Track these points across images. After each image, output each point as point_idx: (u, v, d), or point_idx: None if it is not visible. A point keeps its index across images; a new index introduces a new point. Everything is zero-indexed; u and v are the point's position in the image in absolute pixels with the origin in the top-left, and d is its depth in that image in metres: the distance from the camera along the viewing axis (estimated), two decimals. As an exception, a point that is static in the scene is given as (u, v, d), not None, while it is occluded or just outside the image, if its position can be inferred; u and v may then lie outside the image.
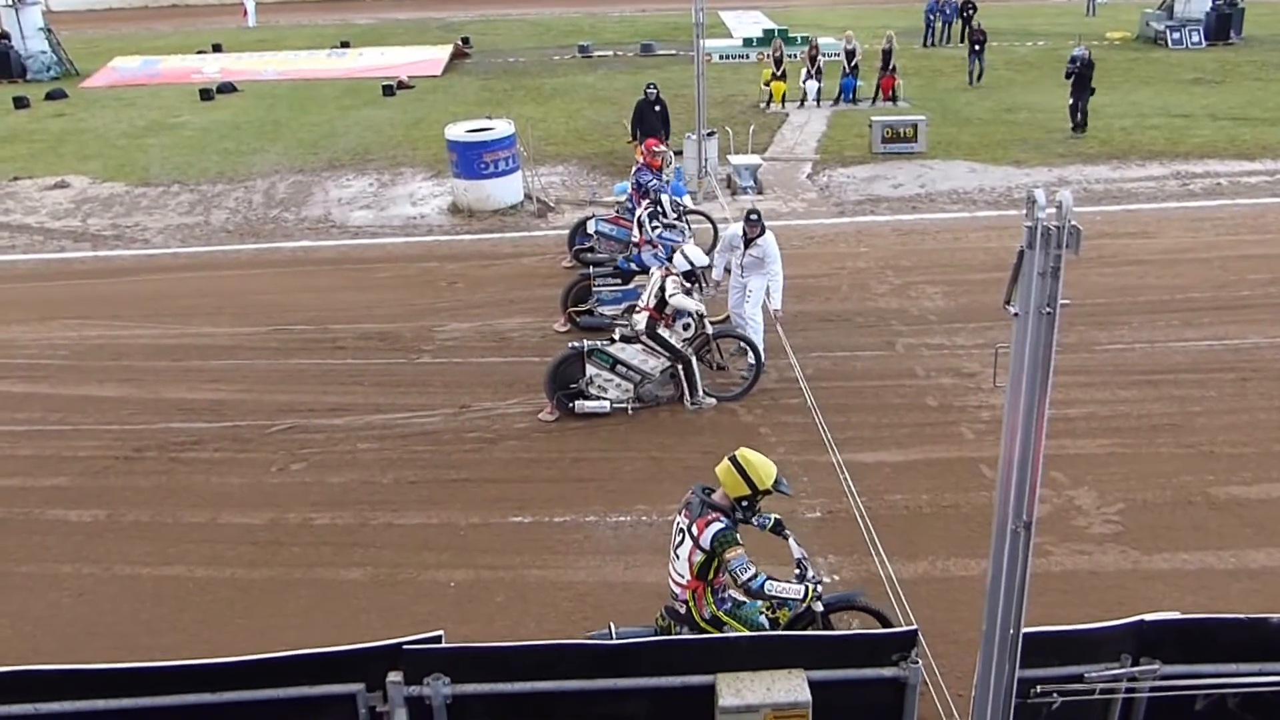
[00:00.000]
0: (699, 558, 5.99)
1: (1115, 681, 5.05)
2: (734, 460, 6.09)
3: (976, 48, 27.05)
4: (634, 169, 14.05)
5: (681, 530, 6.10)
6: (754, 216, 11.00)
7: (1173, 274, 13.73)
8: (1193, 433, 9.88)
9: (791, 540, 6.44)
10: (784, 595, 6.01)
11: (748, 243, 11.09)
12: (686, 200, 14.85)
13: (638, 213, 12.73)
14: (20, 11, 31.38)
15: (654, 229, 12.56)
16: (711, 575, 6.10)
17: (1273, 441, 9.68)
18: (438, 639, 5.08)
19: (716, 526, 5.92)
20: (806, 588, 6.08)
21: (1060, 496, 8.90)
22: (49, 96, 28.72)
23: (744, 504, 6.12)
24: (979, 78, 27.22)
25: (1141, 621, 5.05)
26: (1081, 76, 20.50)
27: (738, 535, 5.98)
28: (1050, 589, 7.60)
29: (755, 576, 5.87)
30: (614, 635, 6.08)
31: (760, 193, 18.07)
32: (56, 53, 32.56)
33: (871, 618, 6.67)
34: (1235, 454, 9.52)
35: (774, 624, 6.26)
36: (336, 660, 5.05)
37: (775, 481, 6.10)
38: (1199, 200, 17.11)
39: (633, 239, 12.78)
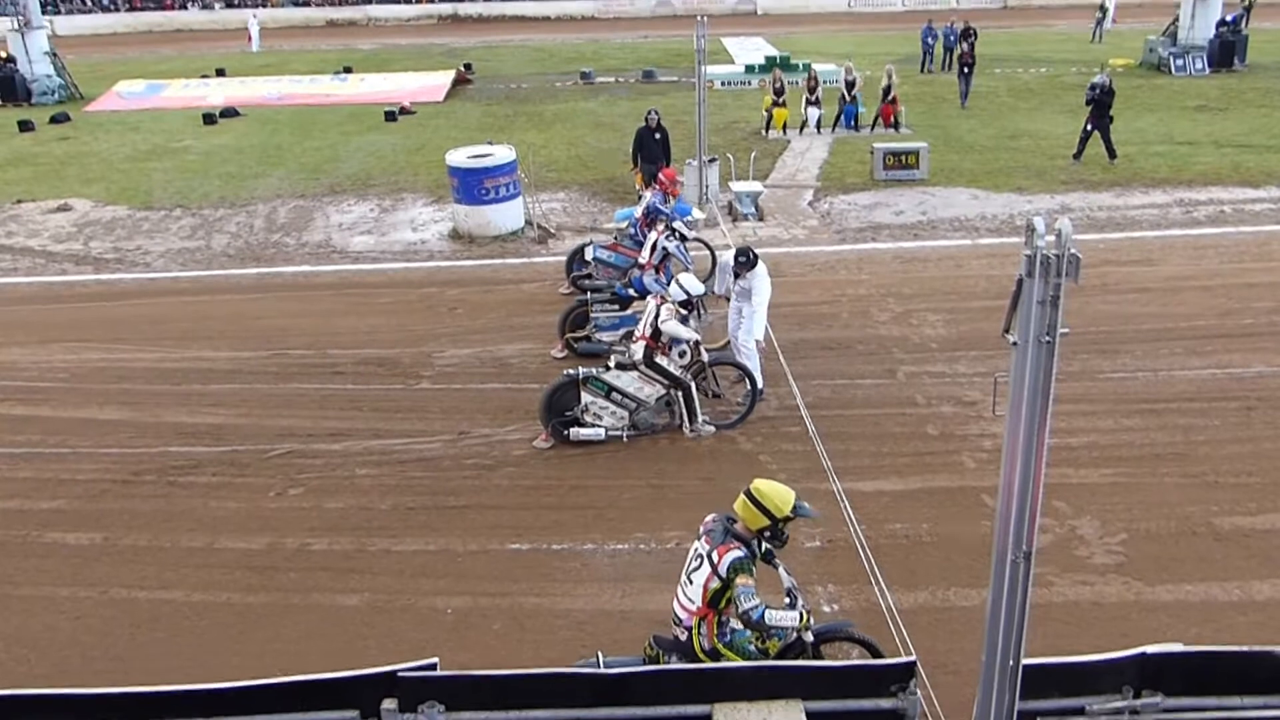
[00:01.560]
0: (715, 585, 6.01)
1: (1117, 714, 5.01)
2: (748, 494, 6.15)
3: (965, 70, 27.84)
4: (650, 195, 14.11)
5: (700, 555, 6.11)
6: (742, 259, 11.05)
7: (1176, 302, 13.72)
8: (1197, 462, 9.81)
9: (781, 569, 6.44)
10: (783, 625, 5.99)
11: (738, 275, 11.15)
12: (695, 212, 14.97)
13: (651, 237, 12.78)
14: (26, 35, 31.77)
15: (671, 243, 12.63)
16: (723, 604, 6.11)
17: (1278, 471, 9.60)
18: (433, 666, 5.06)
19: (735, 554, 5.96)
20: (802, 612, 6.11)
21: (1062, 526, 8.84)
22: (53, 120, 28.97)
23: (766, 534, 6.16)
24: (966, 98, 27.85)
25: (1144, 653, 5.02)
26: (1100, 103, 20.56)
27: (753, 567, 6.01)
28: (1052, 619, 7.57)
29: (756, 607, 5.86)
30: (601, 664, 6.05)
31: (761, 219, 18.09)
32: (62, 76, 32.99)
33: (863, 648, 6.63)
34: (1240, 484, 9.44)
35: (763, 654, 6.24)
36: (331, 686, 5.02)
37: (795, 507, 6.13)
38: (1203, 228, 17.10)
39: (639, 262, 12.82)
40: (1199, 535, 8.71)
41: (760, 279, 11.08)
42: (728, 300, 11.70)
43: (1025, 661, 4.53)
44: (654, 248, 12.65)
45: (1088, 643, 7.10)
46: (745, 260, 11.02)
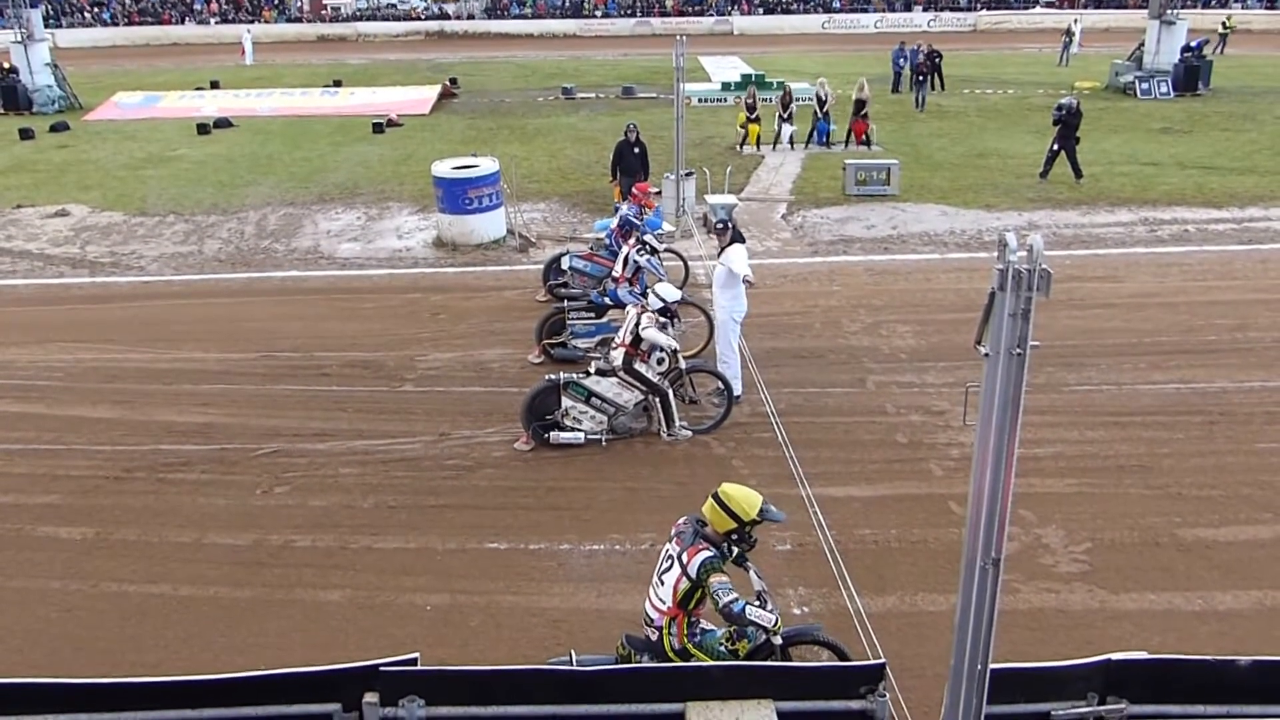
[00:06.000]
0: (684, 585, 6.09)
1: (1082, 719, 5.09)
2: (716, 497, 6.22)
3: (920, 79, 30.12)
4: (626, 207, 14.26)
5: (671, 557, 6.20)
6: (718, 225, 11.14)
7: (1141, 318, 13.90)
8: (1160, 474, 9.94)
9: (753, 572, 6.50)
10: (760, 621, 6.06)
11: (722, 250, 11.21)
12: (666, 226, 15.20)
13: (624, 250, 12.94)
14: (29, 47, 32.41)
15: (642, 257, 12.75)
16: (692, 605, 6.19)
17: (1240, 484, 9.73)
18: (413, 661, 5.12)
19: (704, 555, 6.04)
20: (776, 616, 6.18)
21: (1028, 535, 8.93)
22: (53, 129, 29.41)
23: (734, 537, 6.25)
24: (922, 105, 29.60)
25: (1109, 660, 5.04)
26: (1067, 124, 20.81)
27: (723, 566, 6.10)
28: (1018, 626, 7.66)
29: (736, 600, 5.94)
30: (574, 662, 6.12)
31: (737, 231, 18.26)
32: (62, 87, 33.60)
33: (831, 652, 6.69)
34: (1202, 497, 9.54)
35: (733, 655, 6.30)
36: (314, 680, 5.03)
37: (761, 511, 6.21)
38: (1167, 246, 17.35)
39: (613, 274, 12.98)
40: (1162, 546, 8.81)
41: (731, 263, 11.05)
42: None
43: (993, 666, 4.55)
44: (625, 261, 12.81)
45: (1053, 649, 7.26)
46: (720, 225, 11.04)
